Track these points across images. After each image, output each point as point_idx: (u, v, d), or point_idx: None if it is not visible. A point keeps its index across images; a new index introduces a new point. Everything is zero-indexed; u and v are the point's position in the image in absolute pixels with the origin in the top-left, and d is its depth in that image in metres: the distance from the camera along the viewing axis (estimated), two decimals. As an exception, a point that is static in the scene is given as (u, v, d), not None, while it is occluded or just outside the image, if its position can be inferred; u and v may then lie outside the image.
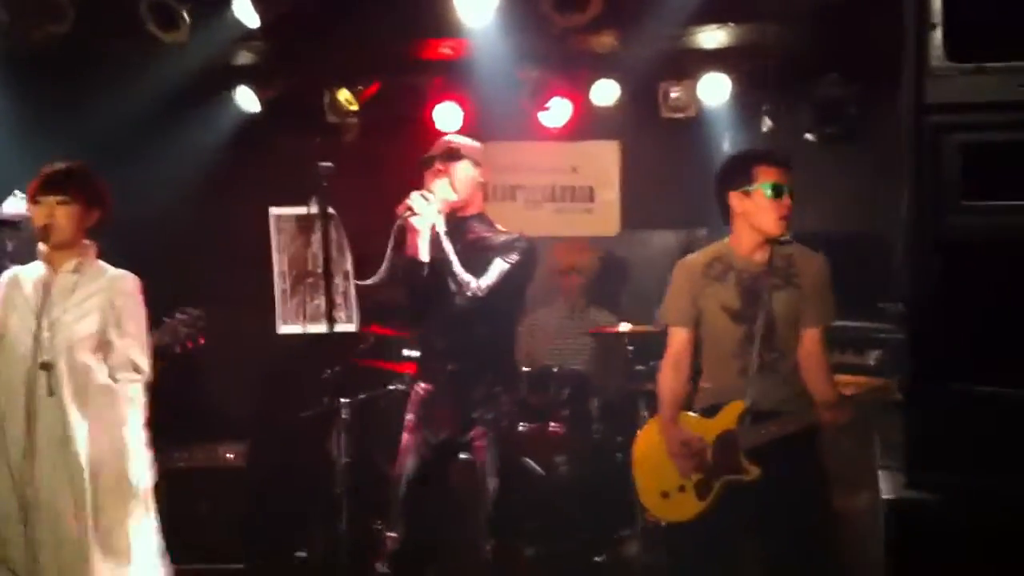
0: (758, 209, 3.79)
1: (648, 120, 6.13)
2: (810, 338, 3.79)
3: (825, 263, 3.86)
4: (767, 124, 6.04)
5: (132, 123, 5.77)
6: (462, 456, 4.22)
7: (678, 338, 3.95)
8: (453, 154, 4.18)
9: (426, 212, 3.98)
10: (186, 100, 6.00)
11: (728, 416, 3.83)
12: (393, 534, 4.07)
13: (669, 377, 3.96)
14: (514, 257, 4.08)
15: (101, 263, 3.77)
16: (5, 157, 5.36)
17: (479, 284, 3.99)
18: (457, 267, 3.98)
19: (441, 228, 4.02)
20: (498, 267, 4.03)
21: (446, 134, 5.94)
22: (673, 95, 6.03)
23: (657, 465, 3.96)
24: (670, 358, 3.97)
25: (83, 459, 3.57)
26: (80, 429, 3.58)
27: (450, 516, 4.28)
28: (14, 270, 3.77)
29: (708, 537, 3.84)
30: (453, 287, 3.97)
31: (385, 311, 5.11)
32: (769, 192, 3.77)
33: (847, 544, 4.01)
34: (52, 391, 3.55)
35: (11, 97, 5.53)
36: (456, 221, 4.12)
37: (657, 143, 6.26)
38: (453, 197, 4.10)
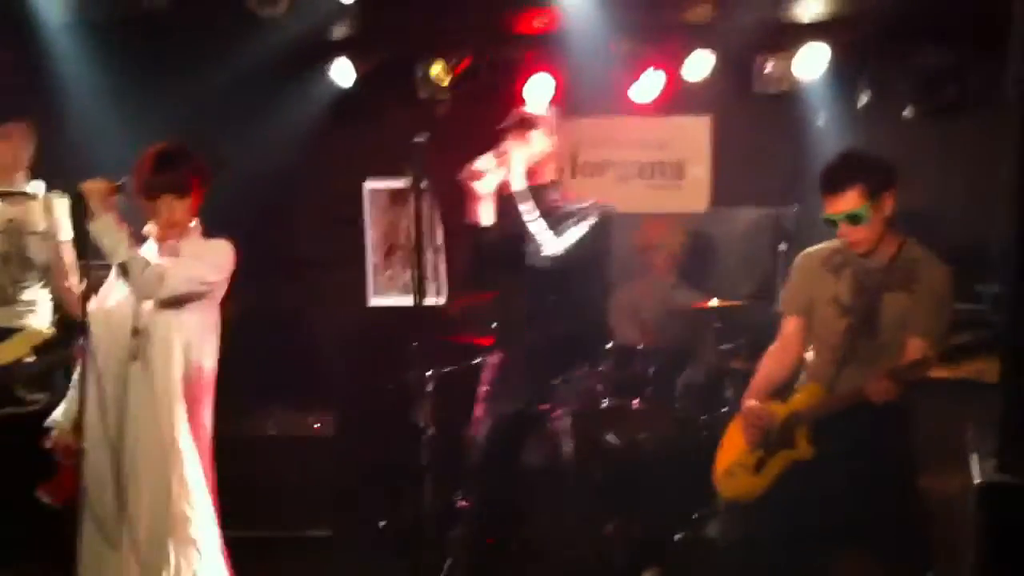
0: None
1: (741, 95, 6.03)
2: (913, 347, 3.72)
3: (949, 275, 3.77)
4: (864, 99, 5.90)
5: (230, 96, 5.88)
6: (538, 427, 4.24)
7: (790, 325, 4.01)
8: (524, 123, 4.21)
9: (491, 174, 4.02)
10: (282, 73, 6.09)
11: (800, 398, 3.85)
12: (465, 502, 4.13)
13: (773, 358, 4.03)
14: (589, 224, 4.09)
15: (203, 240, 3.84)
16: (107, 130, 5.54)
17: (555, 248, 4.01)
18: (534, 228, 3.99)
19: (521, 188, 4.04)
20: (572, 234, 4.04)
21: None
22: (768, 68, 5.91)
23: (733, 445, 4.01)
24: (780, 342, 4.03)
25: (173, 423, 3.65)
26: (166, 393, 3.66)
27: (526, 486, 4.31)
28: None
29: (769, 514, 3.84)
30: (528, 249, 3.99)
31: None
32: (831, 226, 3.76)
33: (936, 527, 3.95)
34: (139, 356, 3.64)
35: (112, 71, 5.67)
36: (530, 190, 4.14)
37: (750, 118, 6.15)
38: (528, 156, 4.12)
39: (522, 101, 6.01)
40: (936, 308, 3.73)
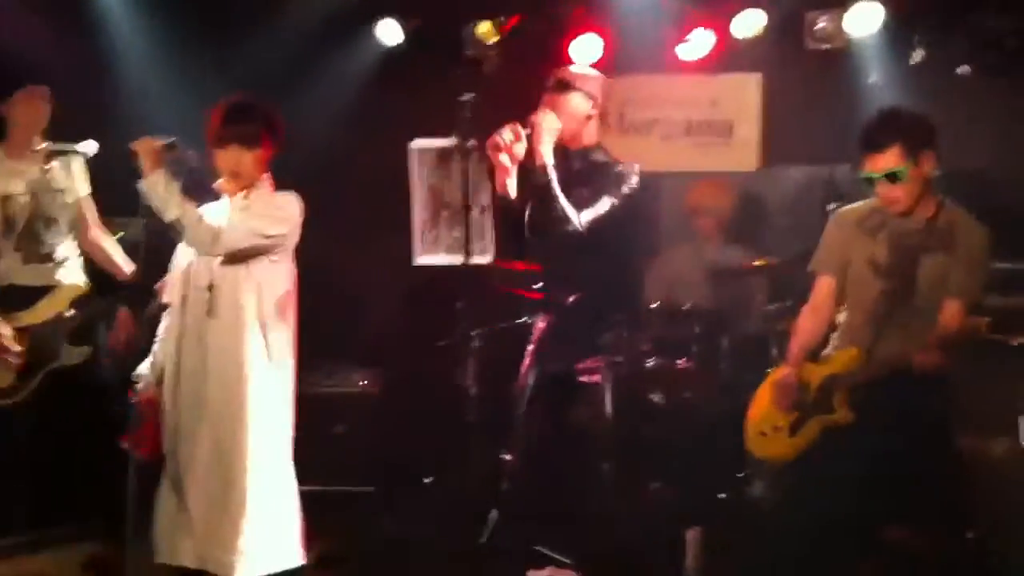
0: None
1: (792, 52, 5.93)
2: (949, 309, 3.67)
3: (986, 237, 3.74)
4: (918, 56, 5.78)
5: (278, 55, 5.93)
6: (580, 386, 4.25)
7: (823, 286, 3.98)
8: (563, 85, 4.17)
9: (515, 148, 4.00)
10: (330, 32, 6.11)
11: (838, 360, 3.83)
12: (509, 456, 4.17)
13: (807, 320, 4.00)
14: (623, 191, 4.06)
15: (271, 193, 3.87)
16: (156, 89, 5.59)
17: (580, 220, 3.99)
18: (561, 202, 3.98)
19: (548, 160, 4.02)
20: (604, 203, 4.02)
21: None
22: (820, 25, 5.80)
23: (763, 405, 3.99)
24: (812, 303, 4.02)
25: (242, 376, 3.71)
26: (235, 349, 3.72)
27: (570, 445, 4.33)
28: None
29: (810, 481, 3.83)
30: (556, 222, 3.98)
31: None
32: (868, 184, 3.70)
33: (984, 490, 3.93)
34: (214, 312, 3.70)
35: (161, 33, 5.74)
36: (565, 154, 4.12)
37: (801, 76, 6.04)
38: (557, 127, 4.09)
39: (569, 59, 5.99)
40: (974, 269, 3.70)
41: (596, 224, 4.00)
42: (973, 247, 3.71)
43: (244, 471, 3.69)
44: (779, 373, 4.04)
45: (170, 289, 3.86)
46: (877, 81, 5.84)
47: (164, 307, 3.87)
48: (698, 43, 5.95)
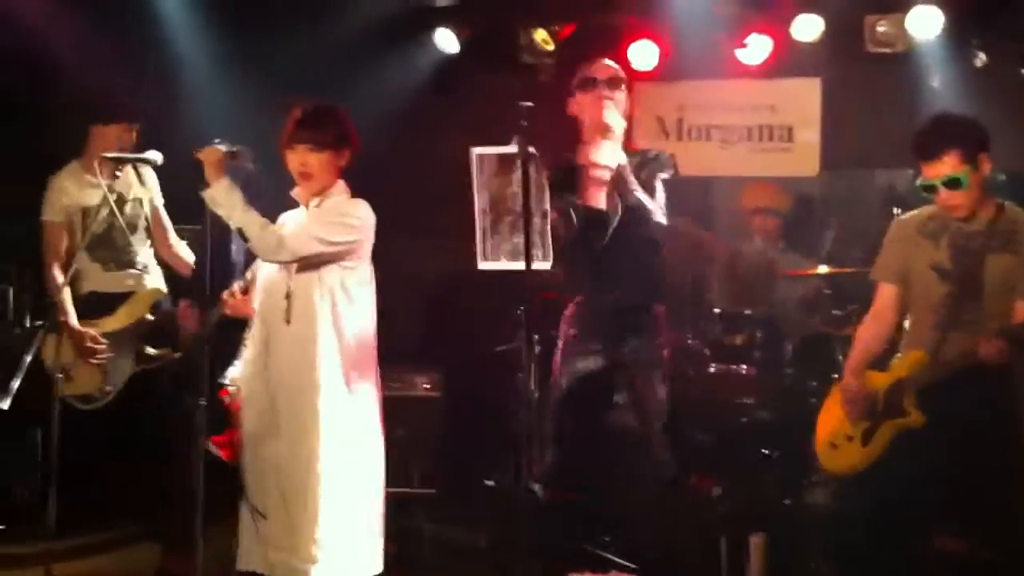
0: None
1: (852, 56, 5.90)
2: (1022, 309, 3.63)
3: None
4: (980, 59, 5.72)
5: (335, 63, 5.96)
6: (627, 386, 4.23)
7: (885, 294, 3.95)
8: (617, 82, 4.15)
9: (611, 161, 3.98)
10: (388, 40, 6.16)
11: (903, 365, 3.79)
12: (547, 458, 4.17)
13: (869, 329, 3.98)
14: (668, 171, 4.05)
15: (348, 198, 3.86)
16: (217, 97, 5.66)
17: (661, 208, 3.99)
18: (647, 200, 3.96)
19: (625, 160, 4.01)
20: (660, 193, 4.01)
21: (641, 73, 5.96)
22: (880, 28, 5.76)
23: (832, 417, 3.96)
24: (873, 311, 3.99)
25: (315, 383, 3.70)
26: (309, 355, 3.71)
27: (628, 449, 4.32)
28: None
29: (879, 487, 3.79)
30: (641, 222, 3.96)
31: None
32: (927, 192, 3.70)
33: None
34: (290, 319, 3.73)
35: (220, 40, 5.80)
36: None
37: (861, 80, 6.01)
38: (623, 125, 4.08)
39: (627, 66, 5.99)
40: None
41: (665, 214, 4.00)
42: None
43: (317, 478, 3.67)
44: (843, 384, 4.00)
45: (253, 296, 3.90)
46: (939, 85, 5.79)
47: (223, 314, 3.90)
48: (756, 48, 5.93)
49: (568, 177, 4.08)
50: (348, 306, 3.79)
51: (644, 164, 4.13)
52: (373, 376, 3.88)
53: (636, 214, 3.99)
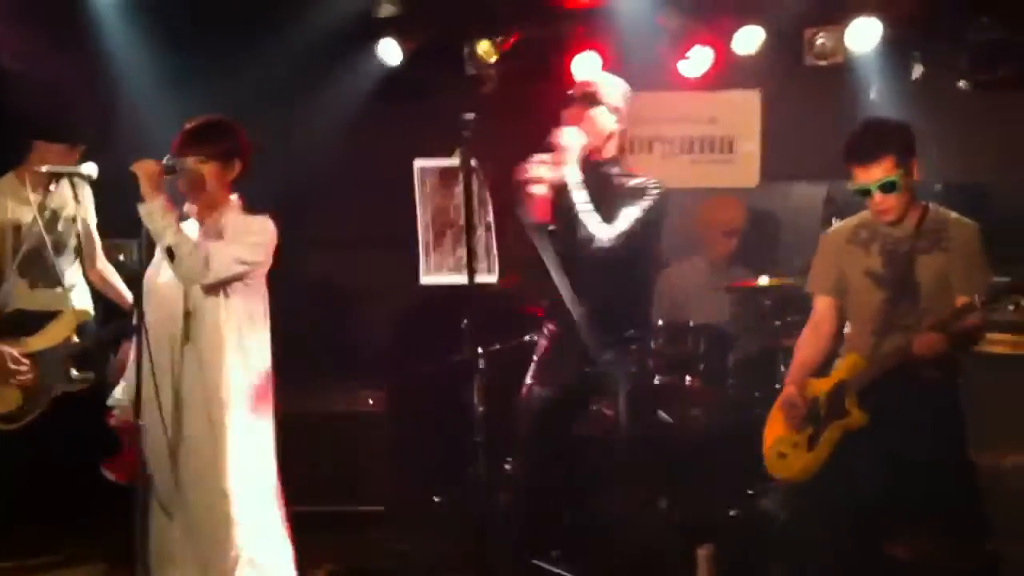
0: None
1: (792, 68, 5.96)
2: (961, 304, 3.69)
3: (977, 232, 3.79)
4: (918, 71, 5.81)
5: (278, 74, 5.93)
6: (588, 402, 4.24)
7: (821, 305, 4.01)
8: (591, 99, 4.15)
9: (549, 175, 3.97)
10: (331, 51, 6.11)
11: (841, 368, 3.84)
12: (510, 468, 4.16)
13: (807, 341, 4.03)
14: (645, 203, 4.05)
15: (245, 216, 3.82)
16: (155, 109, 5.58)
17: (607, 235, 3.98)
18: (587, 219, 3.96)
19: (574, 180, 4.00)
20: (628, 215, 4.01)
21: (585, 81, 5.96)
22: (819, 41, 5.83)
23: (776, 426, 4.02)
24: (811, 323, 4.05)
25: (225, 403, 3.67)
26: (216, 376, 3.67)
27: (578, 461, 4.33)
28: None
29: (825, 492, 3.83)
30: (582, 240, 3.96)
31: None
32: (859, 196, 3.77)
33: (997, 502, 3.92)
34: (190, 338, 3.66)
35: (159, 48, 5.72)
36: (587, 166, 4.10)
37: (801, 92, 6.08)
38: (583, 143, 4.07)
39: (570, 77, 6.00)
40: (973, 262, 3.73)
41: (621, 239, 3.98)
42: (967, 241, 3.75)
43: (226, 497, 3.64)
44: (784, 393, 4.05)
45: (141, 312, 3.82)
46: (877, 96, 5.87)
47: (122, 331, 3.83)
48: (697, 60, 5.97)
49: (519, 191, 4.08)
50: (251, 327, 3.76)
51: (618, 186, 4.12)
52: (271, 398, 3.84)
53: (574, 232, 3.98)
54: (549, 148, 4.08)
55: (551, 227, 4.00)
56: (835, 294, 3.96)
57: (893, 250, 3.79)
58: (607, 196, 4.05)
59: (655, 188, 4.09)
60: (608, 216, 3.99)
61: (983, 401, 3.92)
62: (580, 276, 4.04)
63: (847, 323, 4.01)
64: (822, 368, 4.00)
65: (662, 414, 4.93)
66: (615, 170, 4.18)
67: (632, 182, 4.12)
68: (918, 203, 3.83)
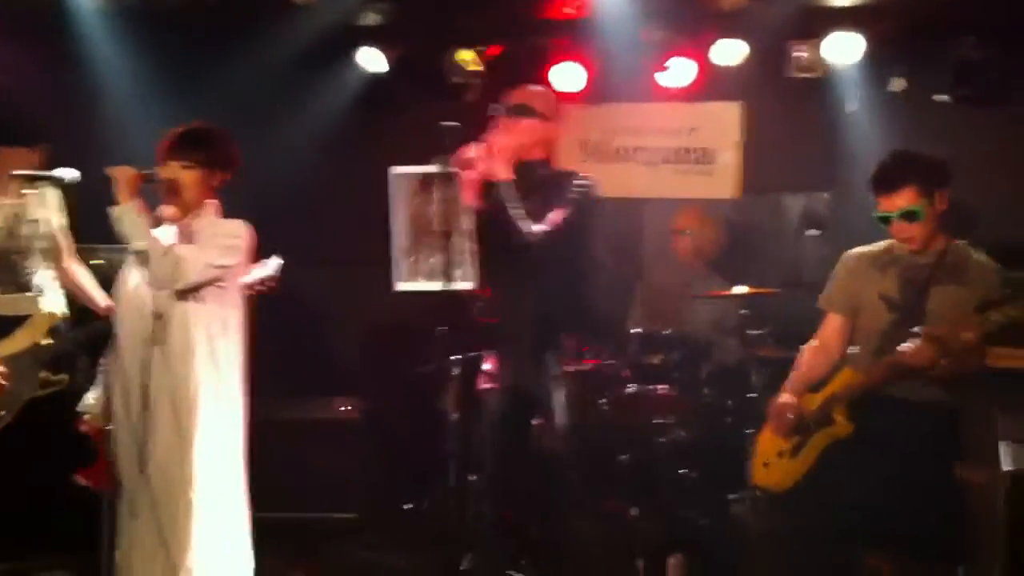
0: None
1: (773, 80, 5.97)
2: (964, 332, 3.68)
3: (997, 272, 3.80)
4: (897, 84, 5.83)
5: (260, 82, 5.94)
6: (538, 409, 4.24)
7: (833, 323, 4.02)
8: (521, 111, 4.21)
9: (480, 162, 4.02)
10: (313, 60, 6.12)
11: (837, 383, 3.84)
12: (474, 477, 4.17)
13: (815, 355, 4.04)
14: (574, 199, 4.08)
15: (217, 219, 3.83)
16: (138, 117, 5.59)
17: (532, 228, 4.01)
18: (513, 212, 4.00)
19: (500, 175, 4.03)
20: (556, 212, 4.04)
21: (567, 95, 5.99)
22: (800, 54, 5.85)
23: (765, 438, 4.00)
24: (819, 339, 4.05)
25: (193, 408, 3.67)
26: (185, 379, 3.68)
27: (545, 470, 4.32)
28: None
29: (808, 502, 3.84)
30: (510, 234, 3.99)
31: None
32: (883, 223, 3.79)
33: (971, 521, 3.92)
34: (158, 340, 3.67)
35: (142, 58, 5.72)
36: (518, 169, 4.14)
37: (782, 104, 6.09)
38: (510, 144, 4.11)
39: (551, 87, 6.02)
40: (988, 299, 3.70)
41: (549, 235, 4.01)
42: (986, 279, 3.76)
43: (191, 503, 3.65)
44: (777, 401, 4.03)
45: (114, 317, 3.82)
46: (857, 109, 5.89)
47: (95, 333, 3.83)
48: (678, 71, 5.99)
49: None
50: (222, 330, 3.77)
51: (547, 182, 4.16)
52: (241, 403, 3.85)
53: (502, 226, 4.00)
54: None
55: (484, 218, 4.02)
56: (848, 314, 3.97)
57: (911, 277, 3.81)
58: (537, 194, 4.08)
59: (582, 183, 4.13)
60: (536, 213, 4.02)
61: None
62: (513, 275, 4.07)
63: (858, 348, 4.01)
64: (820, 384, 4.01)
65: (632, 422, 4.88)
66: (545, 168, 4.22)
67: (562, 181, 4.16)
68: (944, 234, 3.84)
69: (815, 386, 3.99)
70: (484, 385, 4.23)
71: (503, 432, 4.16)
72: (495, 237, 4.01)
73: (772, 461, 4.01)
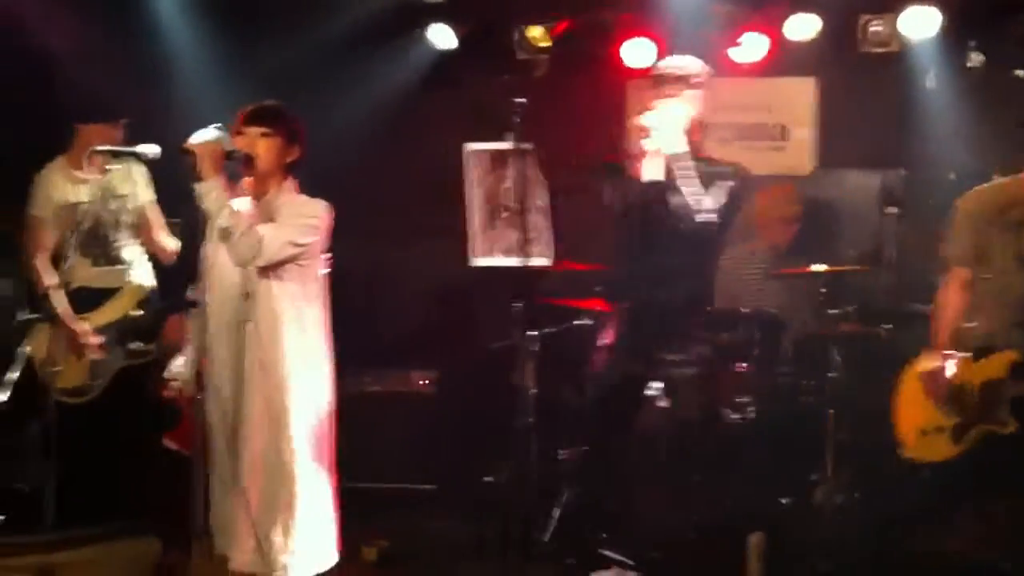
0: None
1: (847, 55, 5.89)
2: None
3: None
4: (975, 59, 5.73)
5: (328, 59, 5.96)
6: (649, 389, 4.23)
7: (961, 274, 3.93)
8: (684, 82, 4.14)
9: (656, 131, 3.96)
10: (382, 36, 6.13)
11: (998, 364, 3.74)
12: (566, 455, 4.17)
13: (950, 301, 3.94)
14: (733, 184, 4.05)
15: (300, 196, 3.84)
16: (204, 92, 5.63)
17: (710, 206, 3.96)
18: (690, 189, 3.94)
19: (679, 149, 3.97)
20: (722, 191, 4.00)
21: (637, 71, 5.95)
22: (874, 28, 5.77)
23: (919, 402, 3.94)
24: (952, 288, 3.96)
25: (283, 383, 3.73)
26: (274, 358, 3.73)
27: (633, 448, 4.33)
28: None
29: (956, 481, 3.76)
30: (681, 210, 3.93)
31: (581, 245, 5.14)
32: None
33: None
34: (248, 318, 3.70)
35: (209, 33, 5.77)
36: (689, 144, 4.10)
37: (856, 79, 6.01)
38: (685, 122, 4.05)
39: (620, 63, 5.99)
40: None
41: (719, 220, 3.97)
42: None
43: (289, 474, 3.72)
44: (927, 363, 3.95)
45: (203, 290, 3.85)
46: (933, 84, 5.80)
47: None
48: (751, 47, 5.93)
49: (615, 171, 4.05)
50: (308, 307, 3.81)
51: (701, 170, 4.11)
52: (329, 370, 3.89)
53: (671, 209, 3.95)
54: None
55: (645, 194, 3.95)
56: (972, 266, 3.89)
57: None
58: (698, 176, 4.04)
59: (741, 172, 4.10)
60: (695, 200, 3.97)
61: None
62: (655, 256, 4.03)
63: (983, 300, 3.93)
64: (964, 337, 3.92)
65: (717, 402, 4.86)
66: (698, 157, 4.17)
67: (717, 167, 4.11)
68: None
69: (978, 350, 3.87)
70: (599, 359, 4.22)
71: (615, 408, 4.16)
72: (653, 214, 3.96)
73: (931, 433, 3.93)
